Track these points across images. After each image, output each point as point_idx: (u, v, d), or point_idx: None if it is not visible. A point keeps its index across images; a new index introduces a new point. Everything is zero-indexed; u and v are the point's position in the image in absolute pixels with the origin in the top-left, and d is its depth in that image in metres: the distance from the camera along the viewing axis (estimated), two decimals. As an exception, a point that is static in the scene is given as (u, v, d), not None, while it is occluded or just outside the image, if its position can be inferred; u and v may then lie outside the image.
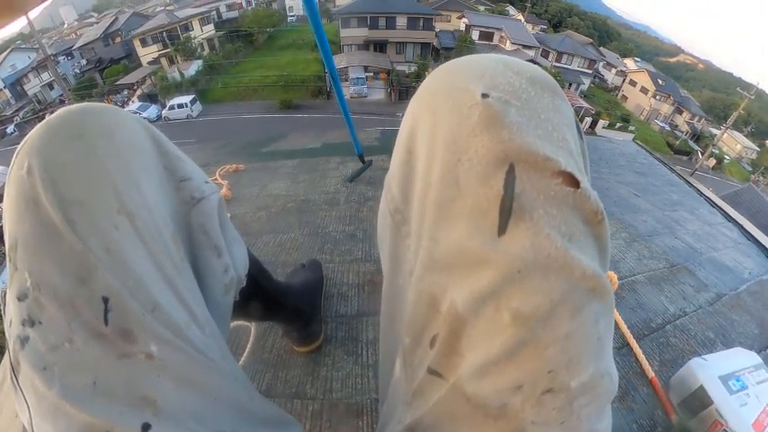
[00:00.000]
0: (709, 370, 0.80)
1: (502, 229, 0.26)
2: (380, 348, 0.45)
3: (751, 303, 1.21)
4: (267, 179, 1.93)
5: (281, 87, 23.16)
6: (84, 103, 0.39)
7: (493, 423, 0.28)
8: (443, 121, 0.29)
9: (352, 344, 0.93)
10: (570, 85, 27.05)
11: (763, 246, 1.61)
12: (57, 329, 0.32)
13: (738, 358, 0.83)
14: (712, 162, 27.64)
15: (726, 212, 1.94)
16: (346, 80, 22.50)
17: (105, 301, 0.32)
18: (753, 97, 19.58)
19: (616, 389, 0.29)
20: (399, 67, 24.63)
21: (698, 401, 0.77)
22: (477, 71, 0.29)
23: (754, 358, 0.83)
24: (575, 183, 0.26)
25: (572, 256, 0.25)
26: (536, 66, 0.31)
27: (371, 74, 23.41)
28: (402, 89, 22.71)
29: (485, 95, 0.27)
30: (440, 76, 0.32)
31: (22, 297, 0.32)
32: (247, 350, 0.92)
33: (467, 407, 0.29)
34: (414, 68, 24.22)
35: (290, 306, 0.85)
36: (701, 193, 2.22)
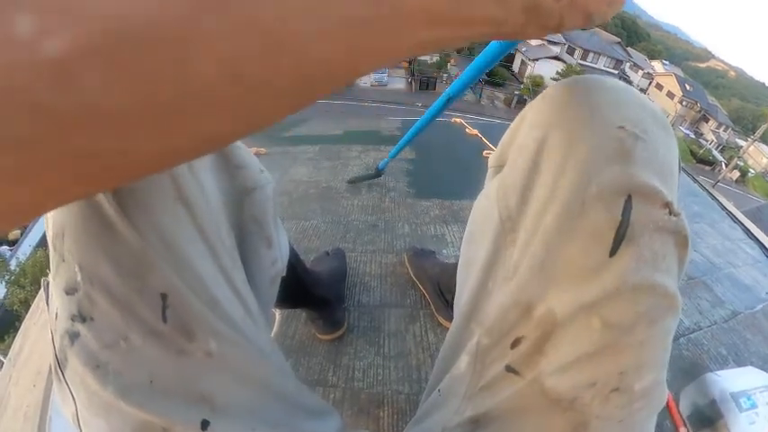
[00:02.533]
0: (723, 386, 0.81)
1: (613, 252, 0.29)
2: (445, 345, 0.46)
3: (766, 324, 1.21)
4: (288, 164, 1.95)
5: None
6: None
7: (561, 414, 0.32)
8: (581, 145, 0.32)
9: (374, 334, 0.96)
10: (594, 85, 26.39)
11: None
12: (111, 327, 0.31)
13: (750, 377, 0.85)
14: (736, 174, 26.98)
15: (747, 229, 1.92)
16: (367, 66, 22.28)
17: (164, 297, 0.32)
18: None
19: (665, 399, 0.33)
20: (421, 57, 24.30)
21: (708, 416, 0.78)
22: (613, 101, 0.33)
23: (765, 378, 0.84)
24: (675, 212, 0.30)
25: (659, 278, 0.29)
26: (652, 101, 0.35)
27: (393, 61, 23.19)
28: (423, 79, 22.46)
29: (621, 128, 0.31)
30: (576, 98, 0.34)
31: (70, 291, 0.31)
32: (271, 337, 0.94)
33: (541, 400, 0.33)
34: (436, 58, 23.91)
35: (318, 294, 0.87)
36: (723, 207, 2.18)
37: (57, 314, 0.31)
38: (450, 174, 1.88)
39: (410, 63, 22.67)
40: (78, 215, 0.30)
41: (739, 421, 0.74)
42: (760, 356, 1.07)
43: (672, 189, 0.31)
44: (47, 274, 0.33)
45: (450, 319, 0.95)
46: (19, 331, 1.35)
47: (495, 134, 2.22)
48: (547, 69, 24.13)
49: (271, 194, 0.49)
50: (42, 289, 0.36)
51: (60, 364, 0.31)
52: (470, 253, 0.45)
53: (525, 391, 0.34)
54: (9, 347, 1.34)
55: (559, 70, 22.76)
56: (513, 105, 22.86)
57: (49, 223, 0.31)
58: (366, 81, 22.26)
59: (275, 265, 0.50)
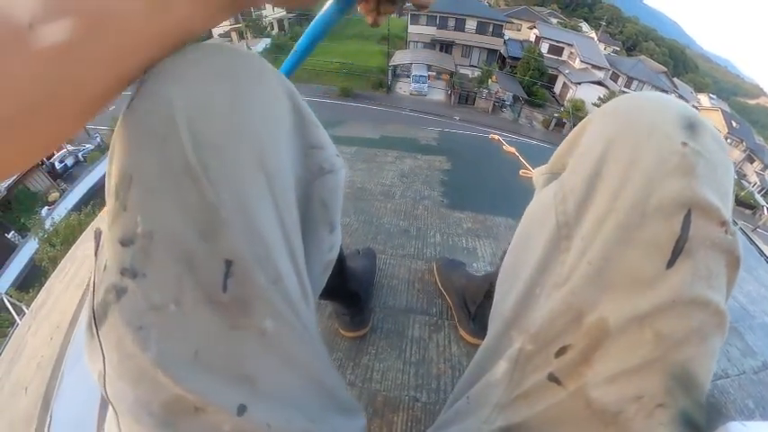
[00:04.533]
0: None
1: (671, 264, 0.30)
2: (480, 351, 0.45)
3: None
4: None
5: (343, 75, 23.47)
6: (226, 43, 0.34)
7: (603, 429, 0.32)
8: (645, 158, 0.33)
9: (397, 338, 0.95)
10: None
11: None
12: (164, 287, 0.28)
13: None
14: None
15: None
16: (408, 76, 22.47)
17: (228, 264, 0.29)
18: None
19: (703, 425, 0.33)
20: (463, 71, 24.36)
21: None
22: (675, 118, 0.34)
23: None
24: (731, 231, 0.31)
25: (712, 295, 0.30)
26: (710, 121, 0.35)
27: (434, 73, 23.27)
28: (462, 93, 22.44)
29: (684, 144, 0.32)
30: (642, 113, 0.35)
31: (126, 242, 0.28)
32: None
33: (584, 412, 0.33)
34: (477, 73, 23.86)
35: (351, 289, 0.88)
36: (762, 253, 2.09)
37: (105, 265, 0.29)
38: (485, 188, 1.86)
39: (451, 76, 22.70)
40: (154, 164, 0.28)
41: None
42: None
43: (728, 208, 0.31)
44: (77, 237, 0.31)
45: (471, 333, 0.95)
46: (44, 287, 1.38)
47: (531, 154, 2.17)
48: (589, 94, 23.68)
49: (343, 180, 0.47)
50: (93, 239, 0.33)
51: (97, 318, 0.29)
52: (518, 259, 0.45)
53: (566, 403, 0.33)
54: (33, 300, 1.37)
55: (601, 96, 22.27)
56: (551, 128, 22.52)
57: (113, 169, 0.29)
58: (406, 90, 22.39)
59: (332, 251, 0.49)
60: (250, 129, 0.31)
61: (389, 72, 22.84)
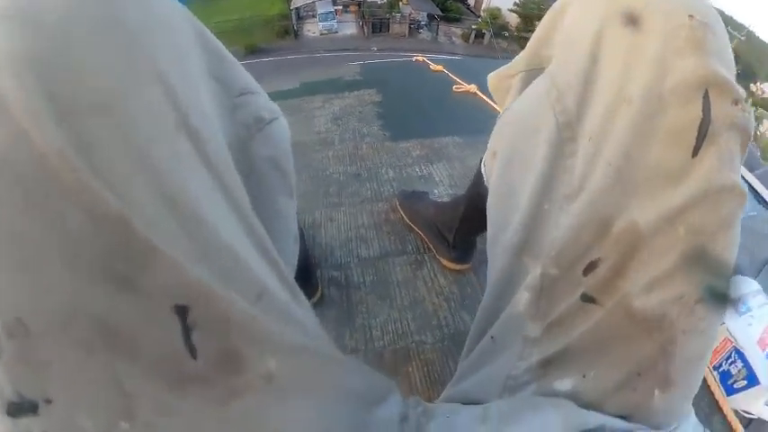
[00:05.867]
0: None
1: (696, 151, 0.27)
2: (490, 287, 0.41)
3: (743, 238, 1.25)
4: (248, 126, 1.82)
5: (244, 31, 21.66)
6: None
7: (648, 336, 0.30)
8: (649, 36, 0.29)
9: (383, 287, 0.90)
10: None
11: (749, 184, 1.65)
12: (90, 405, 0.18)
13: (741, 285, 0.90)
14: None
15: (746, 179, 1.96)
16: (314, 16, 21.19)
17: (182, 312, 0.18)
18: (743, 38, 19.21)
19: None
20: (369, -1, 23.23)
21: None
22: None
23: (753, 285, 0.91)
24: (746, 108, 0.28)
25: (736, 177, 0.28)
26: None
27: (341, 7, 22.04)
28: (375, 21, 21.55)
29: (691, 17, 0.28)
30: None
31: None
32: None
33: (624, 327, 0.30)
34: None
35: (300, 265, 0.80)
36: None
37: None
38: (422, 112, 1.81)
39: (359, 6, 21.65)
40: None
41: (738, 324, 0.80)
42: (744, 266, 1.10)
43: (738, 86, 0.29)
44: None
45: (454, 260, 0.91)
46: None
47: (459, 69, 2.15)
48: (504, 1, 23.42)
49: (288, 130, 0.39)
50: None
51: None
52: (513, 176, 0.39)
53: (605, 321, 0.31)
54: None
55: (517, 1, 22.10)
56: (471, 41, 22.34)
57: None
58: (315, 31, 21.21)
59: (295, 220, 0.41)
60: (149, 66, 0.20)
61: (293, 16, 21.32)
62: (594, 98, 0.32)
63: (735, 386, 0.76)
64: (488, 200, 0.45)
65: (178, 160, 0.20)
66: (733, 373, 0.76)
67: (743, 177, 1.70)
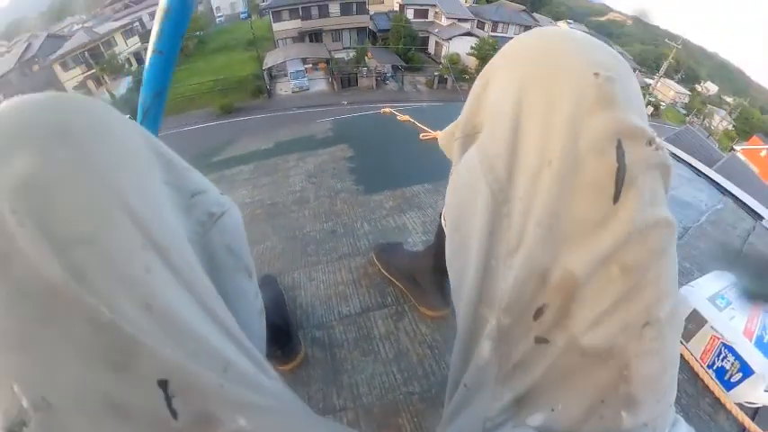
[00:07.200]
0: (698, 294, 0.86)
1: (616, 198, 0.30)
2: (457, 338, 0.43)
3: (712, 231, 1.30)
4: (226, 188, 1.81)
5: (219, 92, 22.20)
6: (50, 92, 0.27)
7: (603, 365, 0.32)
8: (561, 100, 0.31)
9: (366, 342, 0.91)
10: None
11: (711, 179, 1.73)
12: None
13: (718, 280, 0.93)
14: (650, 110, 29.22)
15: (673, 153, 2.06)
16: (285, 75, 21.91)
17: (164, 385, 0.23)
18: (680, 47, 21.18)
19: (684, 317, 0.34)
20: (338, 55, 24.21)
21: (694, 323, 0.83)
22: (578, 48, 0.33)
23: (729, 277, 0.94)
24: (658, 146, 0.31)
25: (659, 211, 0.31)
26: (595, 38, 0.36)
27: (310, 65, 22.93)
28: (344, 77, 22.41)
29: (596, 74, 0.31)
30: (541, 54, 0.34)
31: (17, 427, 0.22)
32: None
33: (581, 359, 0.33)
34: (352, 54, 23.91)
35: (274, 325, 0.81)
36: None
37: None
38: (392, 163, 1.86)
39: (328, 63, 22.53)
40: (2, 305, 0.22)
41: (721, 319, 0.81)
42: (717, 260, 1.13)
43: (647, 124, 0.32)
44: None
45: (432, 307, 0.93)
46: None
47: (425, 116, 2.23)
48: (461, 46, 24.75)
49: (240, 217, 0.42)
50: None
51: None
52: (461, 234, 0.42)
53: (562, 358, 0.33)
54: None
55: (473, 45, 23.38)
56: (435, 86, 23.36)
57: None
58: (287, 89, 21.84)
59: (257, 296, 0.45)
60: (116, 200, 0.25)
61: (266, 76, 22.07)
62: (520, 164, 0.34)
63: (732, 380, 0.77)
64: (446, 254, 0.48)
65: (150, 273, 0.25)
66: (727, 368, 0.78)
67: (704, 173, 1.76)
